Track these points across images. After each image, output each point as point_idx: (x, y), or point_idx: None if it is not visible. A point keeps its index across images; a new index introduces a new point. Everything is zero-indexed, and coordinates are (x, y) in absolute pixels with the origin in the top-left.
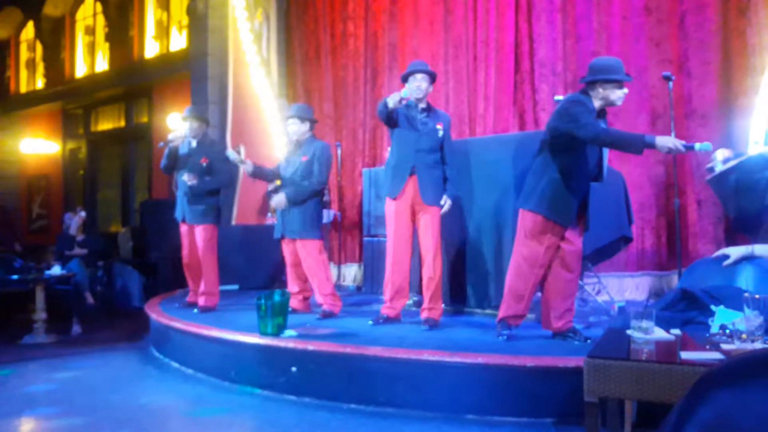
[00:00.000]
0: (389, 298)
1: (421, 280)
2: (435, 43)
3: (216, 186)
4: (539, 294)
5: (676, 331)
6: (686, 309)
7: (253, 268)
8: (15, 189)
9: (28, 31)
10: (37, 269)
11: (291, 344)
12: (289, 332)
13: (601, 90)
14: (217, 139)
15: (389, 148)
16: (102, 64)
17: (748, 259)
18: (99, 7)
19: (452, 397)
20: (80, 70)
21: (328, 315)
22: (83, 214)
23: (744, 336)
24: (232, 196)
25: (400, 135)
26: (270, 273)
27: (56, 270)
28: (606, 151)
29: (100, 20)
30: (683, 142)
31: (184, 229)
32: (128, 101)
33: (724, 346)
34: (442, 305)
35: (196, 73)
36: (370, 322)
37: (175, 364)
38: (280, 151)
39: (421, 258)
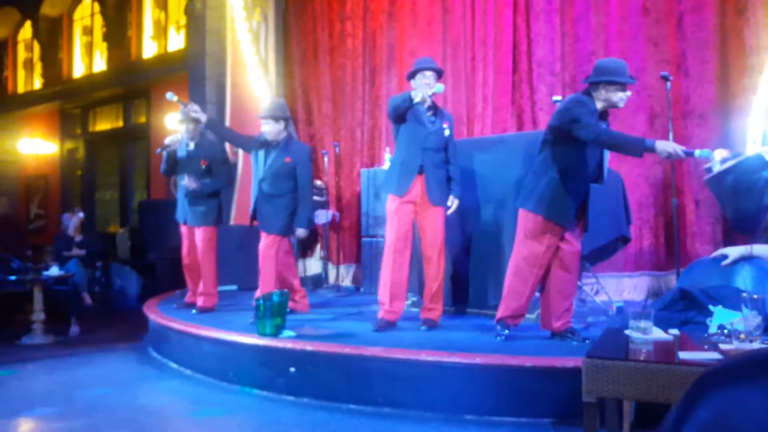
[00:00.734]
0: (389, 300)
1: (419, 280)
2: (433, 43)
3: (216, 187)
4: (538, 294)
5: (675, 331)
6: (684, 309)
7: (252, 268)
8: (13, 189)
9: (26, 31)
10: (35, 270)
11: (289, 345)
12: (287, 333)
13: (603, 91)
14: (215, 140)
15: (395, 146)
16: (100, 64)
17: (746, 259)
18: (97, 7)
19: (451, 398)
20: (78, 70)
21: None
22: (81, 214)
23: (742, 336)
24: (230, 197)
25: (408, 132)
26: None
27: (54, 270)
28: (606, 153)
29: (98, 20)
30: (683, 147)
31: (184, 230)
32: (126, 101)
33: (723, 346)
34: (443, 306)
35: (194, 73)
36: (374, 329)
37: (174, 365)
38: None
39: (423, 258)
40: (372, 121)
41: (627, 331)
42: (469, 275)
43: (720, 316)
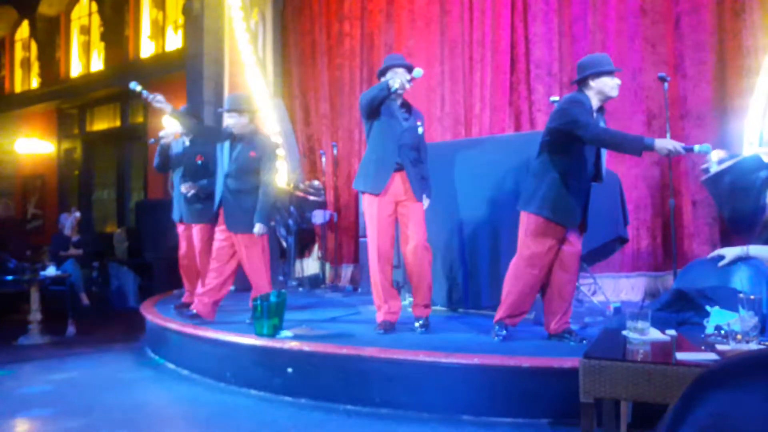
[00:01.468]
0: (385, 300)
1: (407, 277)
2: (431, 44)
3: (213, 188)
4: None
5: (672, 332)
6: (681, 310)
7: None
8: (10, 189)
9: (23, 30)
10: (32, 270)
11: (287, 345)
12: (285, 333)
13: (593, 84)
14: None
15: (368, 143)
16: (97, 64)
17: (743, 259)
18: (94, 6)
19: (448, 398)
20: (75, 70)
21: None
22: (78, 214)
23: (739, 337)
24: None
25: (382, 128)
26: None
27: (51, 271)
28: (604, 151)
29: (96, 20)
30: (682, 144)
31: (181, 229)
32: (123, 101)
33: (720, 347)
34: (440, 306)
35: (192, 73)
36: (381, 331)
37: (171, 365)
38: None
39: (407, 257)
40: None
41: (624, 332)
42: (465, 275)
43: (717, 317)
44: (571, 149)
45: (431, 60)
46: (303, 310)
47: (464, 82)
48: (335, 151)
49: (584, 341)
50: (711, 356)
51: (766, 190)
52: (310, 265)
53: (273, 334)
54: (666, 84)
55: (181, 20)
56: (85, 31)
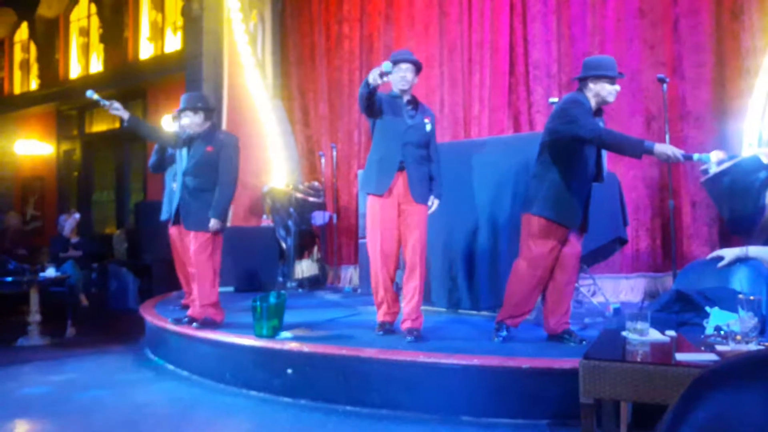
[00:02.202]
0: (384, 300)
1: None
2: (430, 45)
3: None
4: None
5: (671, 333)
6: (681, 310)
7: (249, 269)
8: (9, 191)
9: (22, 32)
10: (32, 271)
11: (286, 346)
12: (284, 334)
13: (592, 86)
14: None
15: (372, 142)
16: (96, 66)
17: (742, 260)
18: (93, 8)
19: (448, 399)
20: (74, 72)
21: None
22: (77, 215)
23: (738, 337)
24: None
25: (385, 126)
26: (265, 275)
27: (50, 272)
28: (604, 151)
29: (95, 21)
30: (682, 151)
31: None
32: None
33: (719, 348)
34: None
35: (191, 75)
36: (380, 332)
37: (171, 366)
38: (275, 152)
39: (405, 265)
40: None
41: (624, 333)
42: (465, 276)
43: (716, 318)
44: (572, 149)
45: (430, 62)
46: (302, 311)
47: (463, 83)
48: (334, 153)
49: (584, 342)
50: (710, 357)
51: (765, 191)
52: (309, 267)
53: (272, 335)
54: (665, 85)
55: (180, 22)
56: (84, 32)
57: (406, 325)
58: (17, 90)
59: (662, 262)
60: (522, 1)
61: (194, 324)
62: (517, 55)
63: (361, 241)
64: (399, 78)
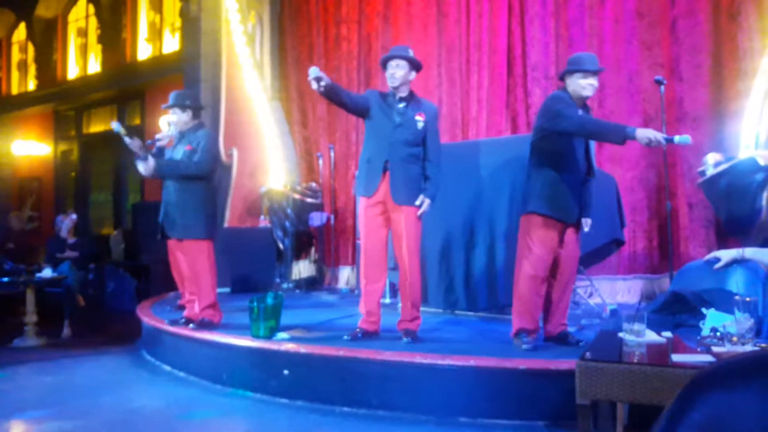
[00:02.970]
0: (367, 311)
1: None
2: (428, 47)
3: None
4: None
5: (668, 334)
6: (677, 312)
7: (246, 270)
8: (6, 191)
9: (20, 32)
10: (28, 272)
11: (283, 347)
12: (281, 335)
13: (569, 81)
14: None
15: (363, 144)
16: (94, 66)
17: (738, 262)
18: (91, 8)
19: (445, 400)
20: (72, 72)
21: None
22: (74, 216)
23: (735, 339)
24: (224, 199)
25: (372, 126)
26: (263, 275)
27: (47, 272)
28: (593, 145)
29: (93, 22)
30: (663, 134)
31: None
32: (120, 103)
33: (715, 349)
34: (436, 308)
35: (189, 76)
36: (346, 337)
37: (167, 367)
38: (273, 153)
39: (399, 266)
40: None
41: (620, 334)
42: (462, 277)
43: (712, 319)
44: (560, 145)
45: (428, 63)
46: (299, 312)
47: (461, 84)
48: (332, 154)
49: (581, 343)
50: (707, 358)
51: (761, 192)
52: (306, 267)
53: (269, 336)
54: (662, 87)
55: (178, 23)
56: (82, 33)
57: (403, 326)
58: (15, 90)
59: (659, 263)
60: (520, 2)
61: (191, 325)
62: (515, 57)
63: (358, 242)
64: (389, 75)
